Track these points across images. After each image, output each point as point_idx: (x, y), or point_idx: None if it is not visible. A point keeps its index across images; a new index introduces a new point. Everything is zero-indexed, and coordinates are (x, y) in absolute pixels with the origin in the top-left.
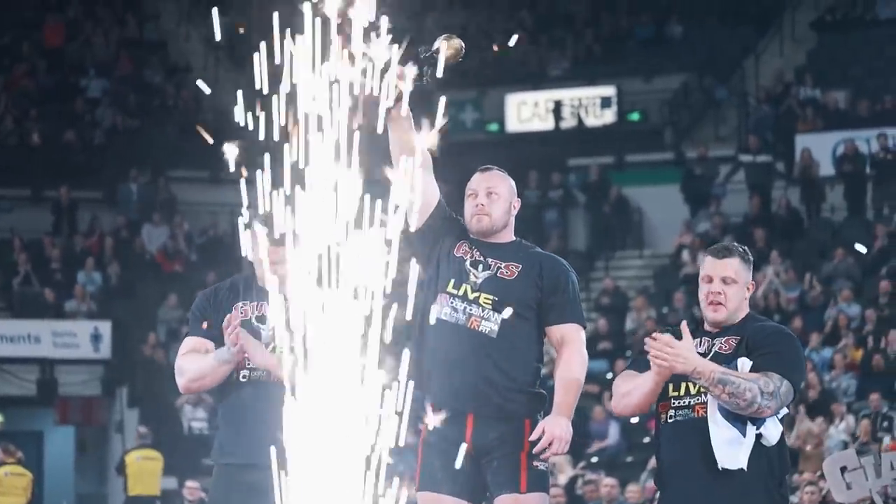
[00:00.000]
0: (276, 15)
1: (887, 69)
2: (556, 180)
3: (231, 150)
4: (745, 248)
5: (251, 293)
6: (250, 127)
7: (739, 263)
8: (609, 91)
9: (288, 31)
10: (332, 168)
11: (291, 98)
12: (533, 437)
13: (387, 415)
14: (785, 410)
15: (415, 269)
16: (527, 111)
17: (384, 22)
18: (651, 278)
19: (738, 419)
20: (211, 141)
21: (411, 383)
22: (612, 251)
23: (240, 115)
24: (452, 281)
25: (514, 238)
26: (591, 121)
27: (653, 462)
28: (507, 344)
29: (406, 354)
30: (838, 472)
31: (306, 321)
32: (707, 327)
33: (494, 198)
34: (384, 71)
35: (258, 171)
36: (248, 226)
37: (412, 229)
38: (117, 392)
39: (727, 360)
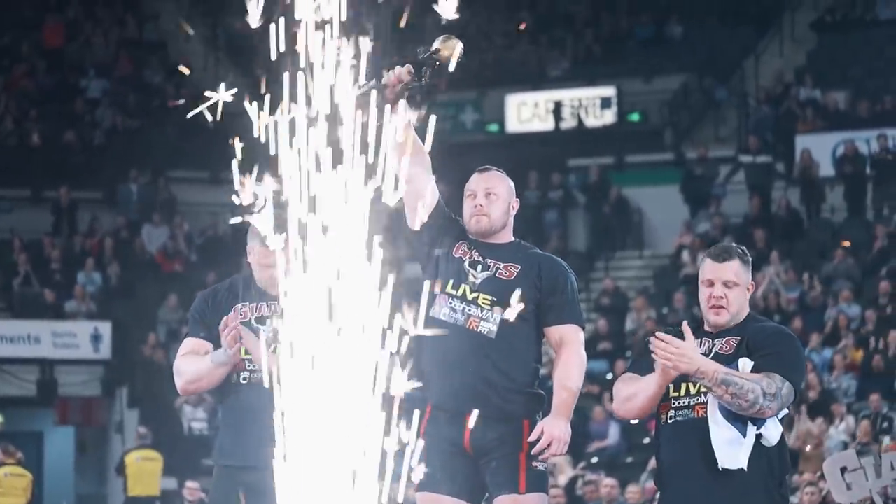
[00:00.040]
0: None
1: (887, 70)
2: (556, 181)
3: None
4: (744, 248)
5: (250, 294)
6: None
7: (740, 266)
8: (609, 91)
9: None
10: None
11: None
12: (532, 437)
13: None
14: (785, 411)
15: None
16: (527, 112)
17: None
18: (651, 279)
19: (739, 419)
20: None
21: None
22: (612, 252)
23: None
24: (451, 281)
25: (512, 239)
26: (591, 121)
27: (653, 462)
28: (505, 344)
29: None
30: (838, 472)
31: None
32: (707, 328)
33: (493, 198)
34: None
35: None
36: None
37: (411, 230)
38: (117, 392)
39: (728, 360)
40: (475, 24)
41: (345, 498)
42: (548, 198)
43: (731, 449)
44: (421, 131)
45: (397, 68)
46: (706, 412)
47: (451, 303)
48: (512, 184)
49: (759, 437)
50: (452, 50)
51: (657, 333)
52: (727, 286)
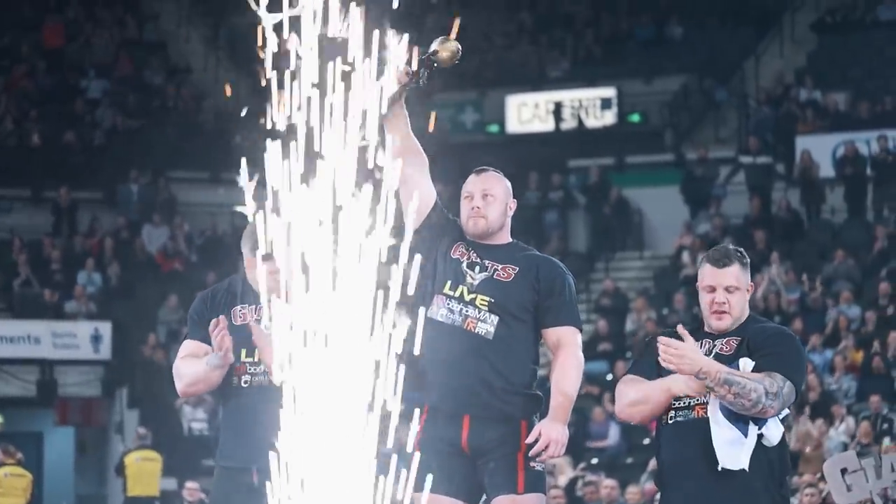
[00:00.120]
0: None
1: (887, 71)
2: (557, 181)
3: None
4: (742, 250)
5: (249, 296)
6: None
7: (739, 269)
8: (609, 92)
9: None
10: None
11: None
12: (529, 439)
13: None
14: (786, 411)
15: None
16: (527, 112)
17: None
18: (651, 279)
19: (740, 419)
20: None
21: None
22: (613, 252)
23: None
24: (449, 282)
25: (510, 240)
26: (592, 122)
27: (653, 463)
28: (503, 346)
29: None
30: (838, 473)
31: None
32: (708, 329)
33: (490, 200)
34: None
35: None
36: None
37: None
38: (117, 393)
39: (728, 360)
40: (475, 25)
41: (345, 498)
42: (548, 198)
43: (733, 449)
44: (417, 131)
45: (395, 69)
46: (707, 413)
47: (448, 304)
48: (509, 184)
49: (760, 437)
50: (450, 51)
51: (658, 338)
52: (729, 291)
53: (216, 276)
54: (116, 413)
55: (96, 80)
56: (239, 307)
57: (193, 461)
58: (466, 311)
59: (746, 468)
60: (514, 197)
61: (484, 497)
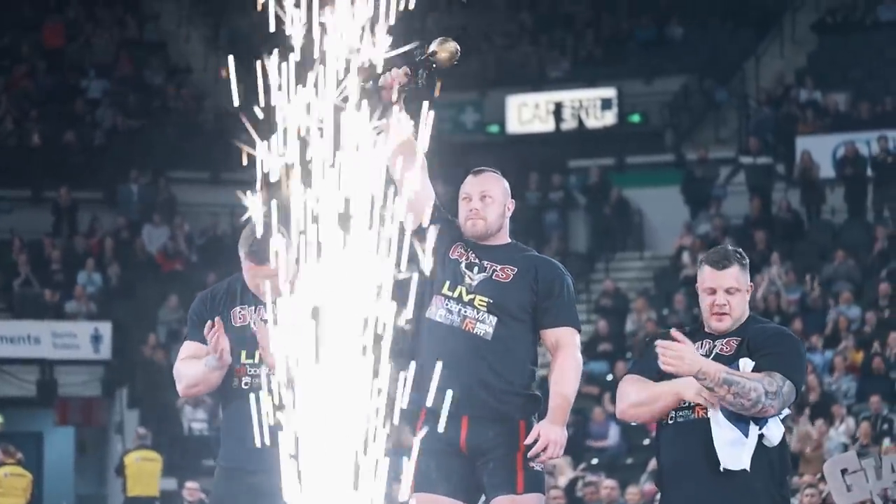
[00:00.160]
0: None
1: (888, 71)
2: (557, 182)
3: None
4: (740, 250)
5: (249, 297)
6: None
7: (739, 271)
8: (609, 93)
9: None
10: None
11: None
12: (528, 440)
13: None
14: (787, 411)
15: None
16: (527, 113)
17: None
18: (651, 280)
19: (741, 420)
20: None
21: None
22: (613, 253)
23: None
24: (447, 283)
25: (509, 240)
26: (592, 122)
27: (653, 464)
28: (501, 346)
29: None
30: (839, 474)
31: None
32: (708, 330)
33: (489, 201)
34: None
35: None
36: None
37: (407, 231)
38: (117, 393)
39: (728, 361)
40: (476, 25)
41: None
42: (548, 199)
43: (734, 450)
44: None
45: (394, 70)
46: (707, 413)
47: (447, 304)
48: (507, 185)
49: (760, 437)
50: (449, 52)
51: (656, 342)
52: (729, 293)
53: (216, 277)
54: (116, 413)
55: (96, 80)
56: (238, 308)
57: (193, 461)
58: (465, 311)
59: (747, 468)
60: (512, 197)
61: (483, 498)
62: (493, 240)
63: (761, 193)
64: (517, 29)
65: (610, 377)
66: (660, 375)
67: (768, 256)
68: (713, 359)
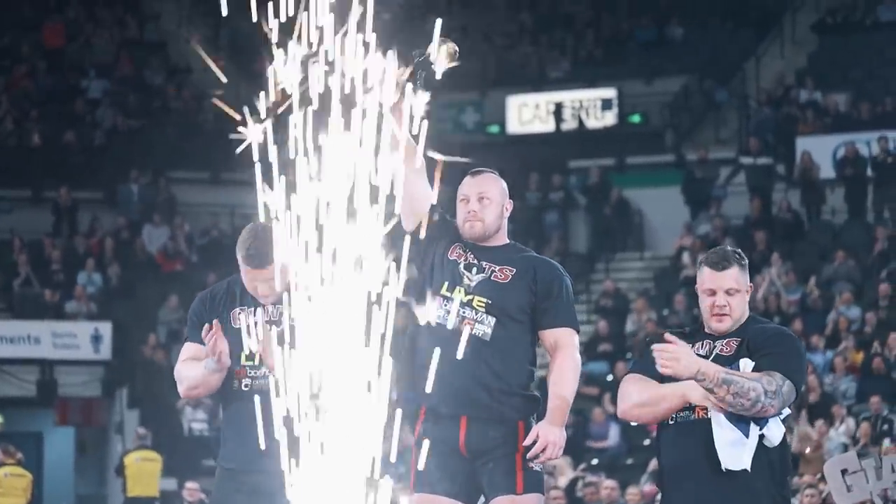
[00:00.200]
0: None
1: (888, 72)
2: (557, 182)
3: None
4: (739, 251)
5: (248, 299)
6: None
7: (738, 272)
8: (610, 93)
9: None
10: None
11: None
12: (527, 441)
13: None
14: (787, 411)
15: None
16: (528, 113)
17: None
18: (651, 280)
19: (742, 420)
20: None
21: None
22: (613, 253)
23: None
24: (446, 284)
25: (507, 241)
26: (592, 123)
27: (653, 464)
28: (500, 347)
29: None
30: (839, 474)
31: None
32: (708, 330)
33: (486, 202)
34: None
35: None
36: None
37: (407, 232)
38: (117, 393)
39: (729, 361)
40: (476, 26)
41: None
42: (548, 199)
43: (735, 450)
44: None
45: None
46: (707, 414)
47: (445, 305)
48: (505, 185)
49: (761, 437)
50: (448, 53)
51: (653, 346)
52: (729, 294)
53: (217, 277)
54: (116, 413)
55: (97, 81)
56: (238, 309)
57: (193, 461)
58: (464, 312)
59: (748, 469)
60: (512, 197)
61: (482, 498)
62: (492, 240)
63: (761, 194)
64: (517, 29)
65: (610, 378)
66: (661, 376)
67: (768, 257)
68: (713, 359)
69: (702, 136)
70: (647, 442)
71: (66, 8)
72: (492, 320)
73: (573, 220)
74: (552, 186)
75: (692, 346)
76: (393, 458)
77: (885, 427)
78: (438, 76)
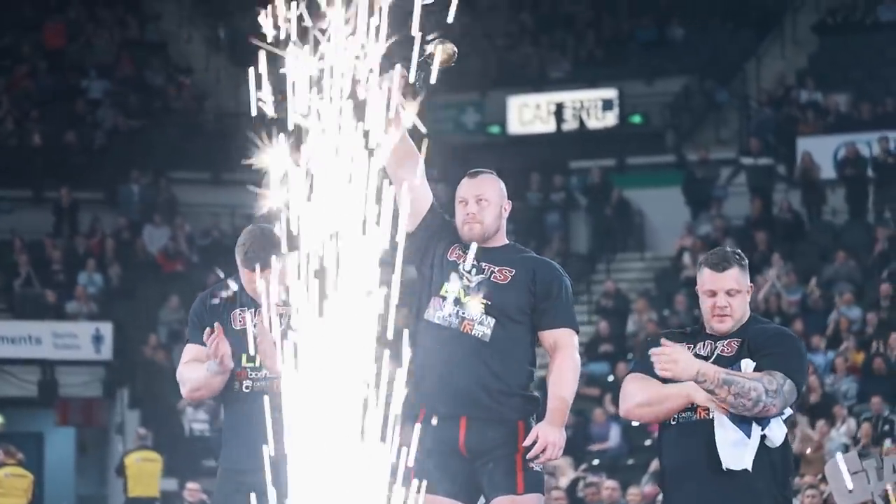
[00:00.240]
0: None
1: (889, 72)
2: (558, 183)
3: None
4: (739, 251)
5: (248, 300)
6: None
7: (738, 272)
8: (610, 93)
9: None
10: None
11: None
12: (526, 442)
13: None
14: (789, 411)
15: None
16: (528, 113)
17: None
18: (652, 281)
19: (744, 420)
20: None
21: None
22: (614, 253)
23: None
24: (445, 284)
25: (506, 241)
26: (593, 123)
27: (654, 465)
28: (499, 348)
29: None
30: (840, 475)
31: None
32: (709, 331)
33: (484, 204)
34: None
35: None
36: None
37: (406, 232)
38: (118, 393)
39: (730, 362)
40: (477, 26)
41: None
42: (549, 200)
43: (736, 450)
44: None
45: (391, 72)
46: (709, 414)
47: (445, 306)
48: (503, 186)
49: (763, 437)
50: (447, 53)
51: (650, 351)
52: (730, 294)
53: (217, 278)
54: (117, 414)
55: (97, 81)
56: (238, 310)
57: (194, 462)
58: (463, 313)
59: (750, 468)
60: (512, 198)
61: (481, 499)
62: (491, 241)
63: (762, 194)
64: (518, 29)
65: (611, 378)
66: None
67: (769, 257)
68: (715, 360)
69: (702, 136)
70: (648, 442)
71: (67, 8)
72: (491, 321)
73: (574, 221)
74: (553, 187)
75: (694, 347)
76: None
77: (886, 427)
78: (433, 80)
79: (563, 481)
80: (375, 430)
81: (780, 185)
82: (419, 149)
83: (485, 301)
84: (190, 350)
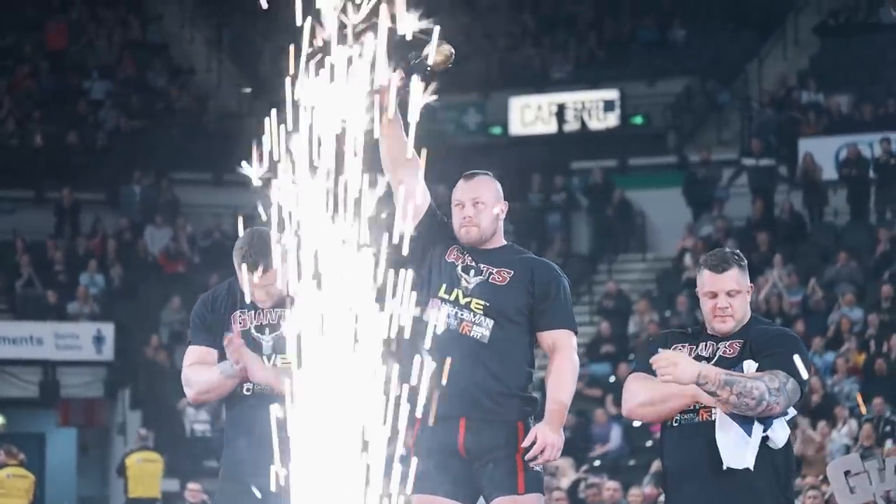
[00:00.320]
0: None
1: (890, 73)
2: (560, 183)
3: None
4: (738, 252)
5: (248, 301)
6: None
7: (738, 273)
8: (612, 94)
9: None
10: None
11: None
12: (525, 443)
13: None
14: (793, 412)
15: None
16: (530, 114)
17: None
18: (654, 281)
19: (747, 420)
20: None
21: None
22: (615, 254)
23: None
24: (444, 286)
25: (504, 242)
26: (595, 124)
27: (656, 466)
28: (498, 349)
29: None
30: (842, 476)
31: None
32: (711, 331)
33: (481, 207)
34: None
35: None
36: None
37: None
38: (119, 394)
39: (732, 363)
40: (478, 27)
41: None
42: (551, 200)
43: (737, 449)
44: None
45: (389, 73)
46: (711, 416)
47: (443, 307)
48: (499, 187)
49: (766, 438)
50: (444, 55)
51: (651, 360)
52: (730, 295)
53: (219, 278)
54: (119, 414)
55: (99, 82)
56: (239, 312)
57: (195, 462)
58: (461, 314)
59: (751, 468)
60: (513, 199)
61: (481, 500)
62: (489, 243)
63: (764, 195)
64: (520, 30)
65: (612, 379)
66: None
67: (770, 258)
68: (717, 361)
69: (704, 137)
70: (649, 443)
71: (69, 9)
72: (490, 322)
73: (575, 222)
74: (554, 188)
75: (696, 348)
76: (394, 460)
77: (888, 429)
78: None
79: (565, 482)
80: (378, 436)
81: (781, 186)
82: (419, 154)
83: (483, 302)
84: (193, 352)
